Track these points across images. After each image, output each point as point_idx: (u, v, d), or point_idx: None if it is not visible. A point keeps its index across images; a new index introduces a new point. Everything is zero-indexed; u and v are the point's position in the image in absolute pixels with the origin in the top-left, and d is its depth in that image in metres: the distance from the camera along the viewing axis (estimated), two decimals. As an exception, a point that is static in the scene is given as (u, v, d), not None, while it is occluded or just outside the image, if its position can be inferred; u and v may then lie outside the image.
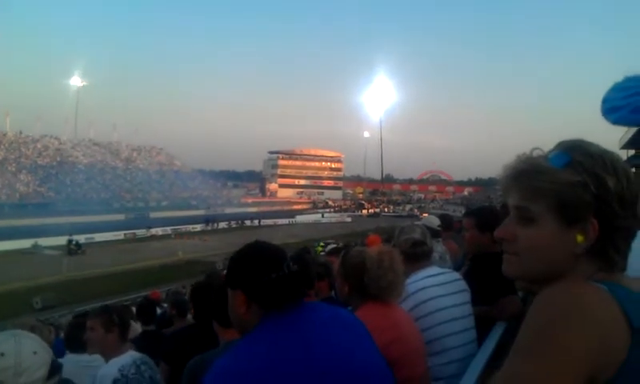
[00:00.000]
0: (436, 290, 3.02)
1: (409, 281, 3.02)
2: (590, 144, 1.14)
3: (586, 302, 1.00)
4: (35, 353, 1.98)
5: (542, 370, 0.94)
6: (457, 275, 3.24)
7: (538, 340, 0.98)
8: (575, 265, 1.11)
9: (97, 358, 3.58)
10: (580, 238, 1.09)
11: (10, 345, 1.94)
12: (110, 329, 3.54)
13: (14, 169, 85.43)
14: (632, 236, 1.12)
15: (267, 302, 1.76)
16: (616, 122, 0.78)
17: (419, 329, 2.86)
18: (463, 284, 3.17)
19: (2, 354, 1.90)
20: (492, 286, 3.15)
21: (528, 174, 1.14)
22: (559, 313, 0.99)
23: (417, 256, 3.23)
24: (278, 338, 1.68)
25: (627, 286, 1.07)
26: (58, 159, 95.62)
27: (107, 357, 3.38)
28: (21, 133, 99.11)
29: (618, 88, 0.82)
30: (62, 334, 6.55)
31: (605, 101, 0.84)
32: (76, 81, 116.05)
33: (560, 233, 1.11)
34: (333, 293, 3.86)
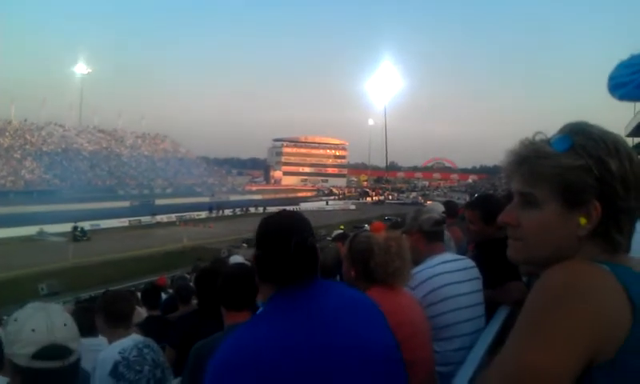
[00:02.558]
0: (451, 276, 3.02)
1: (424, 266, 3.04)
2: (592, 126, 1.14)
3: (588, 281, 1.01)
4: (65, 325, 2.01)
5: (540, 348, 0.95)
6: (470, 262, 3.23)
7: (537, 319, 1.00)
8: (579, 247, 1.11)
9: (101, 342, 3.60)
10: (583, 220, 1.09)
11: (42, 319, 1.97)
12: None
13: (19, 156, 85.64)
14: (636, 217, 1.13)
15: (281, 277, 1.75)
16: (622, 97, 0.79)
17: (433, 314, 2.88)
18: (476, 271, 3.17)
19: (33, 330, 1.93)
20: (497, 271, 3.15)
21: (530, 159, 1.15)
22: (560, 292, 1.00)
23: (437, 235, 3.25)
24: (285, 315, 1.68)
25: (631, 267, 1.07)
26: (63, 146, 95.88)
27: (111, 340, 3.40)
28: (25, 120, 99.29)
29: (623, 65, 0.83)
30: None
31: (611, 78, 0.85)
32: (80, 68, 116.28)
33: (563, 216, 1.11)
34: (338, 277, 3.88)
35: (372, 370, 1.73)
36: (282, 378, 1.55)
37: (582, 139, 1.11)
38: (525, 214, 1.17)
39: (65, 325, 2.02)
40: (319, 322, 1.68)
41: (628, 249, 1.13)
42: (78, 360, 2.08)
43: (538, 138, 1.18)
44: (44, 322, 1.97)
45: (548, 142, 1.15)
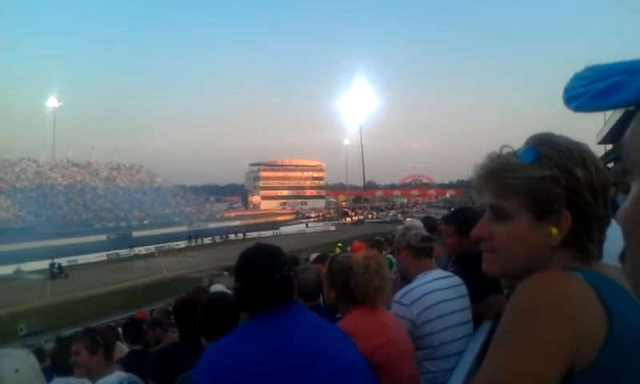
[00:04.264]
0: (444, 293, 3.02)
1: (418, 283, 3.03)
2: (557, 137, 1.16)
3: (563, 290, 1.02)
4: (17, 371, 1.97)
5: (519, 360, 0.96)
6: (459, 280, 3.22)
7: (515, 330, 1.00)
8: (552, 257, 1.13)
9: (84, 382, 3.54)
10: (554, 230, 1.11)
11: None
12: (94, 351, 3.51)
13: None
14: (606, 224, 1.14)
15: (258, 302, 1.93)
16: (577, 108, 0.81)
17: (429, 332, 2.88)
18: (464, 289, 3.17)
19: None
20: (478, 285, 3.16)
21: (499, 172, 1.17)
22: (536, 302, 1.00)
23: (425, 251, 3.25)
24: (260, 331, 1.84)
25: (604, 274, 1.08)
26: (37, 182, 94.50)
27: (94, 379, 3.34)
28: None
29: (578, 77, 0.86)
30: (48, 360, 6.46)
31: (566, 90, 0.88)
32: (52, 102, 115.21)
33: (534, 227, 1.13)
34: (321, 300, 3.86)
35: (344, 381, 1.85)
36: None
37: (547, 150, 1.12)
38: (497, 226, 1.18)
39: (17, 371, 1.99)
40: (292, 336, 1.83)
41: (600, 256, 1.14)
42: None
43: (504, 151, 1.20)
44: None
45: (515, 154, 1.17)
